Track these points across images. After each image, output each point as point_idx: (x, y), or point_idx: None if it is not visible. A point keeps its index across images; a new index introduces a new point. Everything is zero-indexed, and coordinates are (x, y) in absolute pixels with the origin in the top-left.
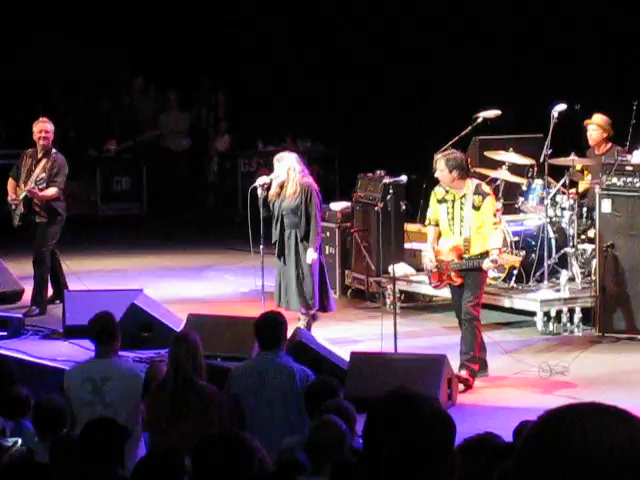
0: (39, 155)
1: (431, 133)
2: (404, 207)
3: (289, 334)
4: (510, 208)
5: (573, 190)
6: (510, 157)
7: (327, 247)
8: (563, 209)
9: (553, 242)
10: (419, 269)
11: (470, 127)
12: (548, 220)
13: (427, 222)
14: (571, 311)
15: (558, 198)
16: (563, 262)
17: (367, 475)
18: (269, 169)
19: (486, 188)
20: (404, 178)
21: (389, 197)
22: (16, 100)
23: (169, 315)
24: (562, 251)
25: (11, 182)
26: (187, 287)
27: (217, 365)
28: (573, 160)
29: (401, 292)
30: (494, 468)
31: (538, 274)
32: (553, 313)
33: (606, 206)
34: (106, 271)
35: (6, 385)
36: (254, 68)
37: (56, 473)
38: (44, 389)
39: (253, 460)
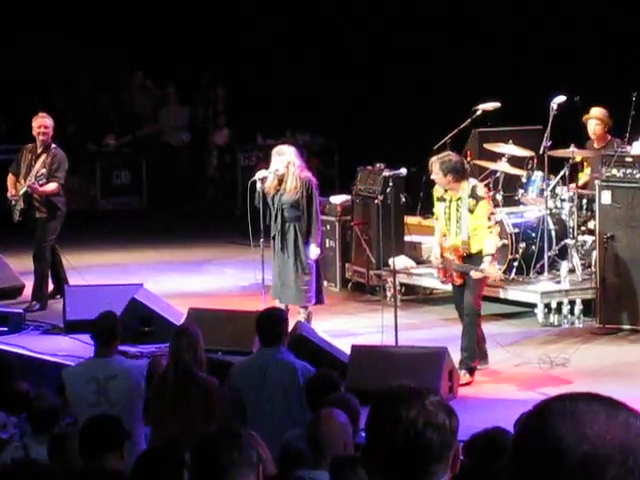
0: (39, 150)
1: (431, 126)
2: (404, 200)
3: (289, 328)
4: (510, 200)
5: (573, 185)
6: (510, 149)
7: (327, 240)
8: (563, 201)
9: (553, 234)
10: (419, 262)
11: (469, 119)
12: (548, 212)
13: (434, 217)
14: (572, 303)
15: (558, 190)
16: (563, 254)
17: (371, 469)
18: (269, 163)
19: (481, 191)
20: (404, 171)
21: (389, 190)
22: (16, 96)
23: (169, 309)
24: (562, 243)
25: (11, 177)
26: (187, 281)
27: (218, 359)
28: (573, 152)
29: (401, 285)
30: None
31: (538, 266)
32: (554, 305)
33: (606, 197)
34: (106, 266)
35: (6, 380)
36: (253, 62)
37: (56, 469)
38: (45, 384)
39: (252, 456)
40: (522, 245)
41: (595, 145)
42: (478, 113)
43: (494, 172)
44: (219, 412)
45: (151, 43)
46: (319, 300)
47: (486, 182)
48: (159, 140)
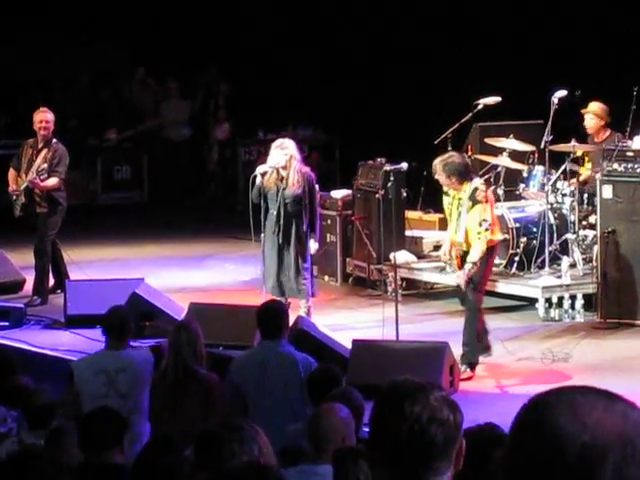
0: (40, 145)
1: (432, 120)
2: (405, 194)
3: (290, 322)
4: (511, 195)
5: (574, 180)
6: (511, 144)
7: (328, 235)
8: (564, 195)
9: (554, 228)
10: (420, 256)
11: (470, 114)
12: (549, 206)
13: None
14: (573, 297)
15: (559, 184)
16: (564, 248)
17: (375, 463)
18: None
19: (479, 195)
20: (405, 165)
21: (390, 185)
22: (16, 91)
23: (170, 304)
24: (563, 237)
25: (12, 172)
26: (188, 276)
27: (219, 354)
28: (574, 146)
29: (402, 279)
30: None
31: (539, 261)
32: (555, 300)
33: (607, 192)
34: (107, 260)
35: (7, 375)
36: (255, 58)
37: (53, 462)
38: (45, 379)
39: (253, 449)
40: (523, 240)
41: (595, 139)
42: (479, 107)
43: (495, 167)
44: (219, 408)
45: (152, 38)
46: (312, 293)
47: (487, 177)
48: (160, 135)
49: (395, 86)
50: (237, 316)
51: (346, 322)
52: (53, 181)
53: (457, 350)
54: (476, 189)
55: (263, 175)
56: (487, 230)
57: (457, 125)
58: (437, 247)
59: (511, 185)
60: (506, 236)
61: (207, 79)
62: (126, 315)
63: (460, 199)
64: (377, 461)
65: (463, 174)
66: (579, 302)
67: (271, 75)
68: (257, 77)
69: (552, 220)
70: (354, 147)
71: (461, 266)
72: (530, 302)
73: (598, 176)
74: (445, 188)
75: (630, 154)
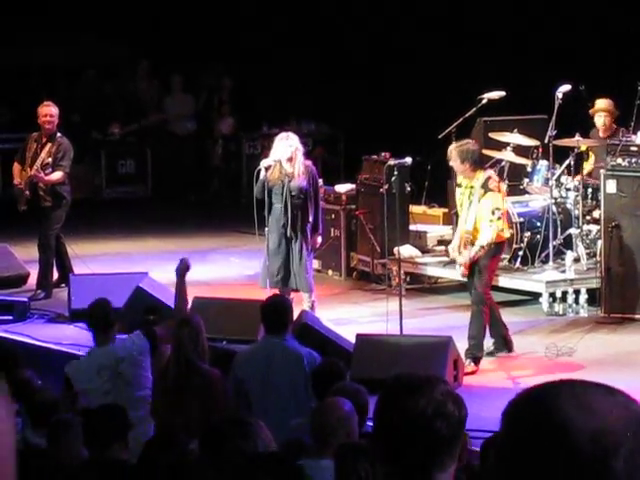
0: (44, 139)
1: (436, 115)
2: (409, 189)
3: (294, 316)
4: (515, 189)
5: (578, 177)
6: (515, 138)
7: (332, 229)
8: (568, 190)
9: (558, 223)
10: (424, 251)
11: (475, 108)
12: (553, 201)
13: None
14: (577, 292)
15: (563, 179)
16: (568, 243)
17: (379, 458)
18: None
19: (492, 184)
20: (409, 160)
21: (394, 179)
22: (20, 84)
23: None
24: (567, 232)
25: (17, 166)
26: (192, 270)
27: (222, 348)
28: (578, 141)
29: (406, 274)
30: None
31: (543, 255)
32: (559, 294)
33: (611, 186)
34: (111, 254)
35: (11, 368)
36: (258, 54)
37: (57, 456)
38: (49, 373)
39: (258, 444)
40: (527, 234)
41: (600, 134)
42: (483, 102)
43: (499, 161)
44: (221, 403)
45: (156, 32)
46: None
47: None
48: (164, 129)
49: (398, 81)
50: (241, 310)
51: (350, 316)
52: (57, 175)
53: (461, 344)
54: (489, 178)
55: (267, 169)
56: (499, 219)
57: (461, 120)
58: (441, 242)
59: (515, 180)
60: (511, 231)
61: (211, 74)
62: (108, 307)
63: (472, 187)
64: (381, 456)
65: (477, 161)
66: (583, 297)
67: (276, 66)
68: (262, 68)
69: (556, 215)
70: (358, 141)
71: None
72: (534, 297)
73: (602, 171)
74: (458, 179)
75: (634, 149)
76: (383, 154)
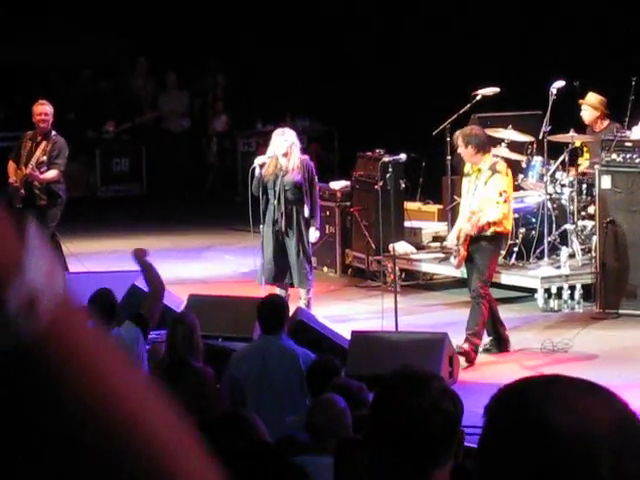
0: (39, 137)
1: (430, 111)
2: (403, 185)
3: (290, 313)
4: None
5: (573, 172)
6: (509, 134)
7: (327, 226)
8: (563, 186)
9: (553, 219)
10: (419, 247)
11: (469, 105)
12: (548, 197)
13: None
14: (572, 288)
15: (558, 175)
16: (563, 239)
17: (374, 453)
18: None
19: (500, 167)
20: (403, 156)
21: (388, 176)
22: (15, 82)
23: (169, 296)
24: (562, 228)
25: (11, 164)
26: (187, 268)
27: (218, 345)
28: (572, 137)
29: (401, 270)
30: None
31: (538, 251)
32: (554, 290)
33: (606, 182)
34: (106, 252)
35: None
36: (253, 50)
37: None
38: None
39: (254, 438)
40: (522, 230)
41: (594, 130)
42: (478, 98)
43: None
44: (213, 401)
45: (151, 30)
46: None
47: None
48: (159, 126)
49: (392, 79)
50: (236, 308)
51: (345, 313)
52: (52, 173)
53: (456, 341)
54: (497, 162)
55: (262, 166)
56: (505, 202)
57: (455, 116)
58: (436, 238)
59: None
60: (512, 222)
61: (205, 72)
62: (112, 295)
63: (479, 170)
64: (377, 451)
65: (481, 145)
66: (578, 292)
67: (268, 63)
68: (255, 69)
69: (551, 210)
70: (353, 138)
71: (468, 251)
72: (529, 292)
73: (597, 167)
74: (466, 169)
75: (629, 144)
76: (377, 151)
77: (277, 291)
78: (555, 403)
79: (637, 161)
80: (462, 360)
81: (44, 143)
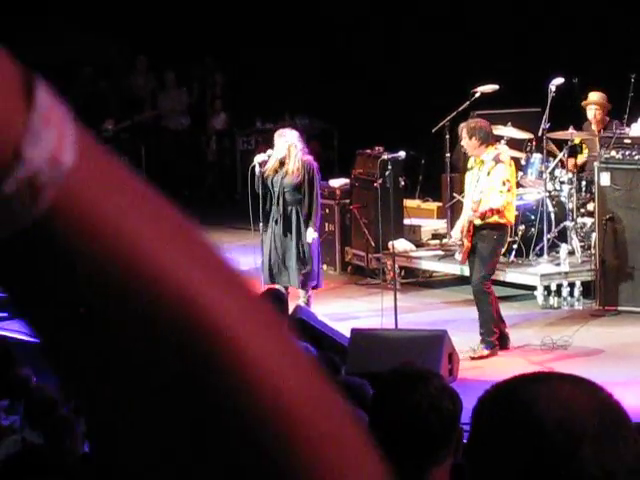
0: None
1: (429, 109)
2: (403, 183)
3: (289, 311)
4: None
5: (571, 164)
6: (508, 131)
7: (327, 224)
8: (562, 183)
9: (552, 216)
10: (419, 245)
11: (468, 102)
12: (547, 194)
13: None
14: (571, 285)
15: (557, 172)
16: (563, 236)
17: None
18: (268, 146)
19: (503, 157)
20: (402, 154)
21: (388, 173)
22: None
23: None
24: (562, 225)
25: None
26: None
27: None
28: (572, 134)
29: (401, 268)
30: None
31: (538, 248)
32: (553, 287)
33: (605, 179)
34: None
35: (8, 366)
36: (252, 48)
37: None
38: (46, 370)
39: None
40: (521, 227)
41: (593, 127)
42: (477, 95)
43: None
44: None
45: (150, 28)
46: (317, 284)
47: None
48: (158, 125)
49: (392, 77)
50: None
51: (345, 311)
52: None
53: (456, 338)
54: (500, 153)
55: (261, 165)
56: (509, 191)
57: (455, 113)
58: (435, 235)
59: None
60: (516, 213)
61: (203, 70)
62: None
63: (482, 162)
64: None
65: (485, 137)
66: (577, 289)
67: (271, 61)
68: (256, 62)
69: (550, 208)
70: (352, 135)
71: (471, 241)
72: (529, 290)
73: (596, 163)
74: (469, 164)
75: (628, 141)
76: (377, 148)
77: (277, 286)
78: (540, 398)
79: (636, 158)
80: (480, 348)
81: None
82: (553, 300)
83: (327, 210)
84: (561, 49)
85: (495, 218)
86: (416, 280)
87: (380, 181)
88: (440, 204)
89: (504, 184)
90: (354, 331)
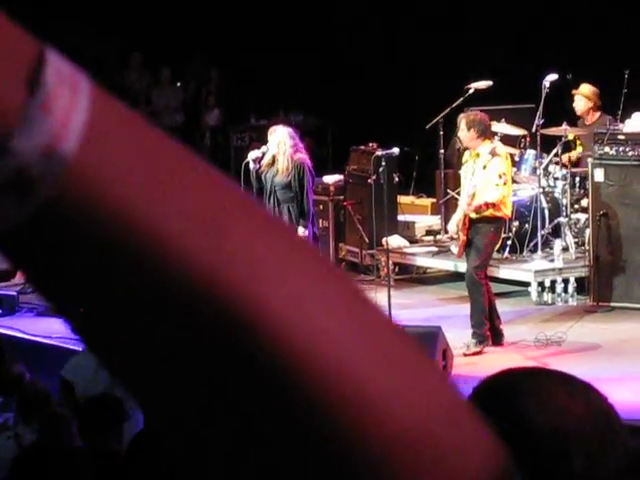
0: None
1: (423, 105)
2: (397, 179)
3: None
4: None
5: (566, 156)
6: (502, 127)
7: (320, 220)
8: (556, 179)
9: (546, 212)
10: (413, 241)
11: (462, 98)
12: (541, 190)
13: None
14: (565, 281)
15: (551, 168)
16: (557, 232)
17: None
18: (261, 143)
19: (500, 150)
20: (396, 150)
21: (381, 170)
22: None
23: None
24: (555, 221)
25: None
26: None
27: None
28: (565, 130)
29: (395, 264)
30: None
31: (532, 244)
32: (547, 283)
33: (599, 175)
34: None
35: (1, 363)
36: (248, 44)
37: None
38: (39, 366)
39: None
40: (515, 224)
41: (586, 122)
42: (470, 92)
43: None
44: None
45: (144, 25)
46: None
47: None
48: (152, 121)
49: (386, 73)
50: None
51: None
52: None
53: (450, 334)
54: (496, 146)
55: (255, 161)
56: (505, 185)
57: (448, 110)
58: (429, 232)
59: None
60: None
61: (197, 66)
62: None
63: (478, 155)
64: None
65: (483, 130)
66: (572, 285)
67: (263, 57)
68: (249, 59)
69: (544, 204)
70: (346, 131)
71: (468, 235)
72: (523, 286)
73: (590, 160)
74: (464, 158)
75: (621, 137)
76: (371, 145)
77: None
78: (530, 398)
79: (630, 154)
80: (473, 344)
81: None
82: (547, 296)
83: (321, 206)
84: (558, 48)
85: (491, 211)
86: (410, 276)
87: (374, 177)
88: (434, 200)
89: (500, 177)
90: None
